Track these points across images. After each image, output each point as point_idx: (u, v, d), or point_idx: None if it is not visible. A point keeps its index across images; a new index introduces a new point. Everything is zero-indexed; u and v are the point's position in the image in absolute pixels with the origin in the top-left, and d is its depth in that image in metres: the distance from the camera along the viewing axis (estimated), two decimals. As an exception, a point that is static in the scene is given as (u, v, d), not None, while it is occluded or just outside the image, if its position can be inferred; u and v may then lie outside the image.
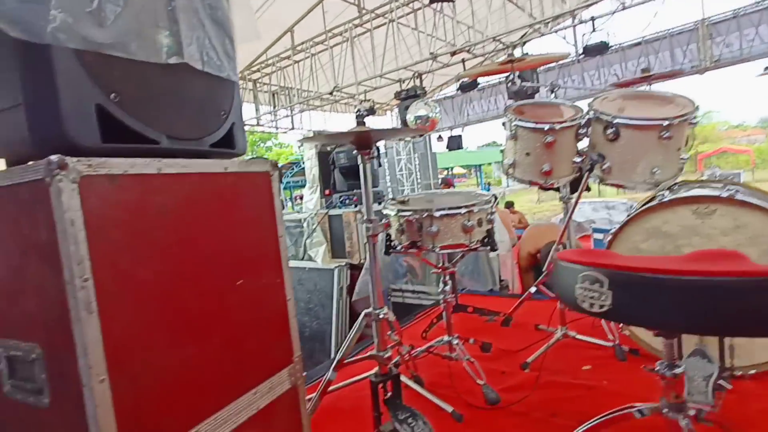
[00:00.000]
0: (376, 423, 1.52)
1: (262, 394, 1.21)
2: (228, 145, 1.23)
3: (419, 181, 14.08)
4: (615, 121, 1.78)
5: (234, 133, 1.25)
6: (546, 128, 1.83)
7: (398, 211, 1.75)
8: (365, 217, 1.51)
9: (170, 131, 1.03)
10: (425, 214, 1.68)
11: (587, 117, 1.89)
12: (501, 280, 3.83)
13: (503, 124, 2.11)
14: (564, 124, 1.84)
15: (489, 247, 1.78)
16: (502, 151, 2.14)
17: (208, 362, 1.05)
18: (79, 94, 0.86)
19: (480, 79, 8.28)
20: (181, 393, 0.98)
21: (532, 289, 2.45)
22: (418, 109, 6.31)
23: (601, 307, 0.94)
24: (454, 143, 11.53)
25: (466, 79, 7.31)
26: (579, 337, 2.11)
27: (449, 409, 1.64)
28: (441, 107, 10.77)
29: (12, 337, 0.95)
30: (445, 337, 1.97)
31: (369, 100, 8.55)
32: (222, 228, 1.13)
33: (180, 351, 0.99)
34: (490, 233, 1.79)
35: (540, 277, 2.44)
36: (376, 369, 1.84)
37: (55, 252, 0.80)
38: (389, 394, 1.57)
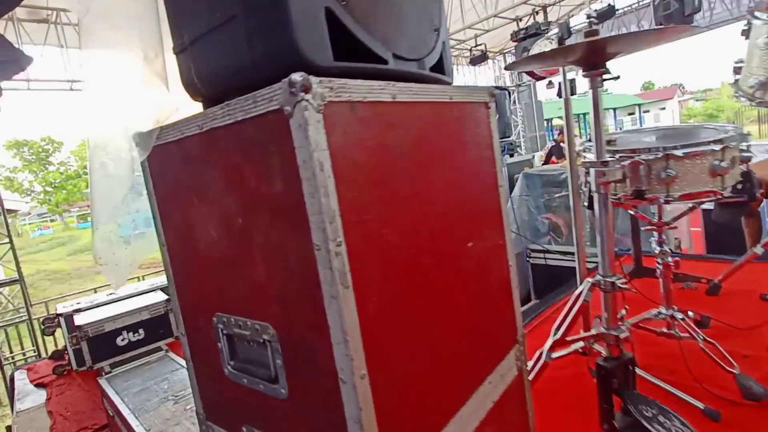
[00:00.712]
0: (606, 416, 1.23)
1: (495, 384, 0.97)
2: (440, 69, 0.95)
3: (524, 133, 13.00)
4: None
5: (444, 56, 0.97)
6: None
7: (616, 153, 1.36)
8: (596, 160, 1.16)
9: (395, 48, 0.77)
10: (660, 155, 1.27)
11: None
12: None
13: (743, 32, 1.57)
14: None
15: (747, 196, 1.33)
16: (738, 67, 1.61)
17: (449, 347, 0.83)
18: (307, -8, 0.62)
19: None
20: (429, 387, 0.77)
21: (758, 250, 1.93)
22: (542, 48, 5.55)
23: None
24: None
25: (600, 7, 6.26)
26: None
27: (699, 404, 1.28)
28: (555, 47, 9.52)
29: (233, 312, 0.79)
30: (662, 310, 1.58)
31: (481, 45, 7.85)
32: (450, 173, 0.87)
33: (426, 334, 0.77)
34: (748, 177, 1.33)
35: (770, 235, 1.91)
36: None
37: (297, 207, 0.59)
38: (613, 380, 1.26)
